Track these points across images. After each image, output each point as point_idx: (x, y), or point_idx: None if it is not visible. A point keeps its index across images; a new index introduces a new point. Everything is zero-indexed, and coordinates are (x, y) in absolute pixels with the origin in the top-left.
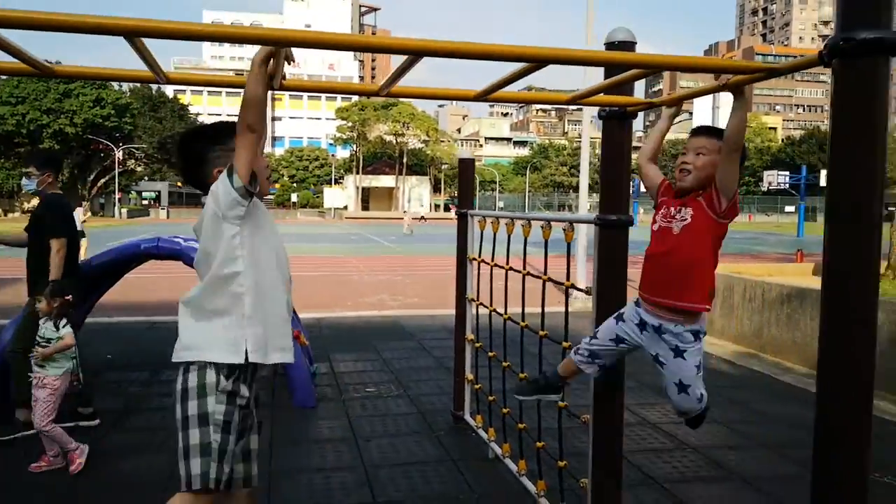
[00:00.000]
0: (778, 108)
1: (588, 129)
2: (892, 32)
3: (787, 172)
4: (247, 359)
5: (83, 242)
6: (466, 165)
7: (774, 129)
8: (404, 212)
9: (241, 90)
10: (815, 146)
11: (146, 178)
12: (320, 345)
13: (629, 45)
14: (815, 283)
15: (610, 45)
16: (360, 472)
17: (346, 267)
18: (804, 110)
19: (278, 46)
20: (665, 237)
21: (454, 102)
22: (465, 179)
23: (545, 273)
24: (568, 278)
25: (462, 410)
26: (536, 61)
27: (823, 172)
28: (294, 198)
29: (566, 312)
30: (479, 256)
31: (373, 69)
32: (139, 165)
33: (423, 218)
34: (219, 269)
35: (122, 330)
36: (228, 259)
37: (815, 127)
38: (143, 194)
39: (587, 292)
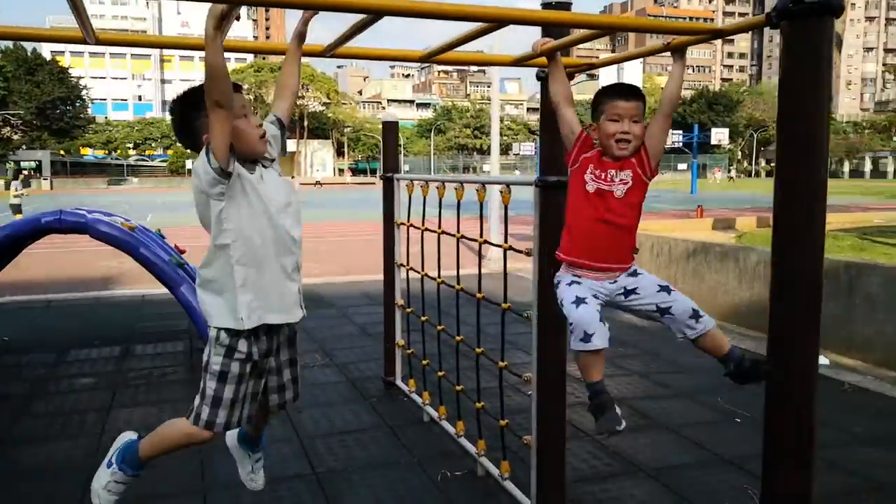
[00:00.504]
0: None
1: (497, 91)
2: None
3: (681, 131)
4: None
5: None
6: (390, 128)
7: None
8: (292, 177)
9: (147, 49)
10: (704, 106)
11: (24, 146)
12: None
13: (565, 6)
14: (717, 237)
15: (546, 5)
16: (295, 443)
17: None
18: (694, 71)
19: (232, 4)
20: (608, 201)
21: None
22: (389, 142)
23: (480, 235)
24: (506, 240)
25: (393, 376)
26: (479, 20)
27: (714, 131)
28: (189, 164)
29: (505, 273)
30: (409, 221)
31: (267, 29)
32: (16, 133)
33: (318, 183)
34: (212, 241)
35: (17, 310)
36: (218, 232)
37: (704, 87)
38: (22, 164)
39: (527, 253)
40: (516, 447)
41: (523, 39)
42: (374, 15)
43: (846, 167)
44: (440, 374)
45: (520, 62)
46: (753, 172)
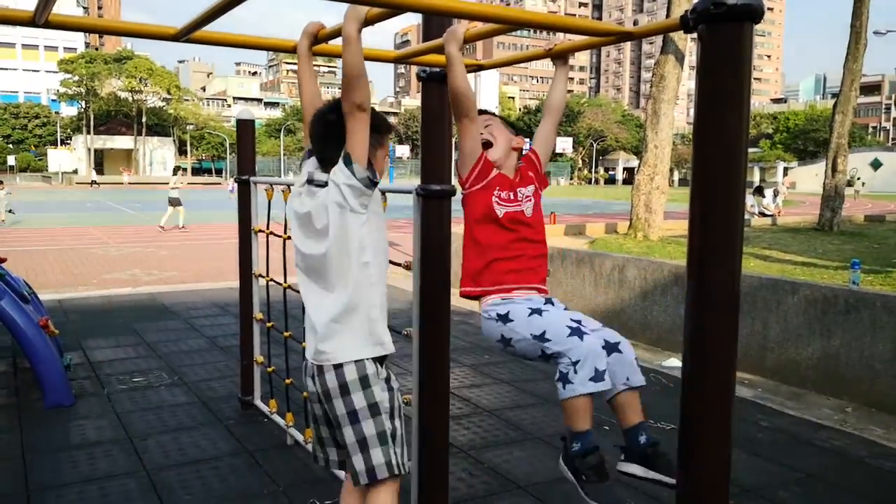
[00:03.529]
0: (515, 78)
1: None
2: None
3: (528, 139)
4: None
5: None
6: (246, 127)
7: (513, 98)
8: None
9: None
10: None
11: None
12: (68, 330)
13: None
14: (571, 243)
15: None
16: (142, 477)
17: (85, 239)
18: (537, 81)
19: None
20: (521, 221)
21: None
22: (245, 142)
23: None
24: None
25: (251, 395)
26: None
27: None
28: (11, 161)
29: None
30: (268, 228)
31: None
32: None
33: (93, 182)
34: (350, 261)
35: None
36: (359, 249)
37: (560, 116)
38: None
39: (406, 267)
40: None
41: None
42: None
43: (676, 176)
44: (305, 393)
45: (401, 59)
46: (593, 180)
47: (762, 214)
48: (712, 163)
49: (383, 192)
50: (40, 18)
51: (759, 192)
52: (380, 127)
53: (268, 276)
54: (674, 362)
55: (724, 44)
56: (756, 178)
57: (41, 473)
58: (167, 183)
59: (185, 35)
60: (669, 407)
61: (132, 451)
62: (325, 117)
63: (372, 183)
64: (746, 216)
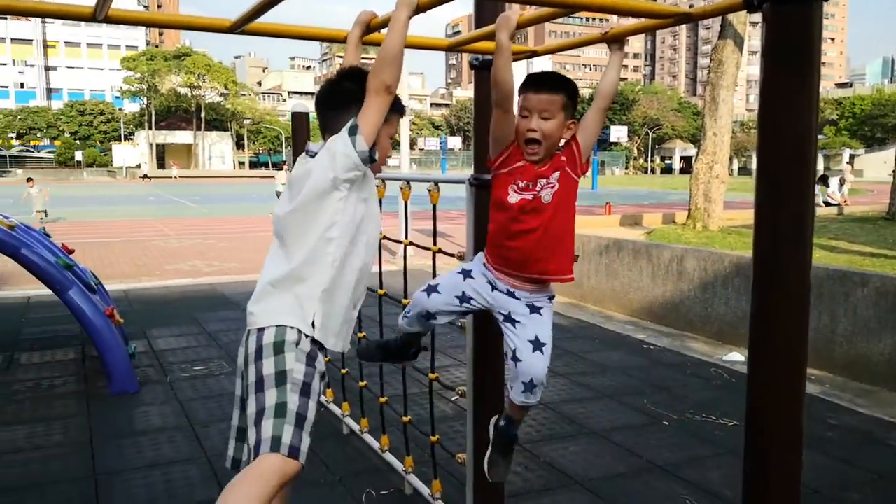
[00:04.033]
0: (568, 67)
1: (406, 82)
2: None
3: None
4: (313, 332)
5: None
6: (300, 119)
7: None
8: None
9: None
10: None
11: None
12: (133, 320)
13: None
14: (628, 234)
15: None
16: (203, 463)
17: (149, 231)
18: (591, 70)
19: None
20: (535, 210)
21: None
22: (299, 135)
23: (406, 236)
24: (434, 242)
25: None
26: None
27: (613, 129)
28: (79, 156)
29: (405, 272)
30: None
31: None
32: None
33: (144, 176)
34: (311, 230)
35: None
36: (326, 223)
37: (611, 102)
38: None
39: (459, 257)
40: (445, 461)
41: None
42: None
43: (735, 164)
44: (362, 384)
45: (455, 47)
46: (649, 169)
47: (827, 204)
48: (780, 150)
49: (436, 183)
50: (100, 14)
51: (823, 180)
52: (395, 104)
53: None
54: (735, 356)
55: (791, 23)
56: (820, 166)
57: (108, 458)
58: (219, 176)
59: (240, 27)
60: (731, 402)
61: (194, 438)
62: (341, 84)
63: (370, 159)
64: None
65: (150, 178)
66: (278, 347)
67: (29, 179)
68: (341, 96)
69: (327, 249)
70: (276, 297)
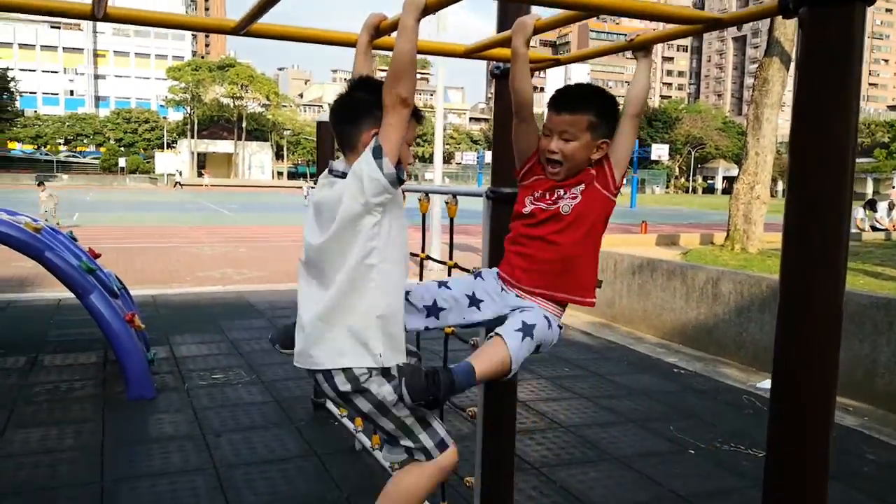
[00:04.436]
0: (610, 84)
1: (442, 96)
2: None
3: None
4: (382, 363)
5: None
6: (325, 129)
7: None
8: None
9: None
10: (644, 122)
11: None
12: (157, 326)
13: None
14: (663, 254)
15: None
16: (210, 474)
17: (184, 238)
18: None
19: None
20: (551, 219)
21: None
22: (324, 144)
23: (423, 250)
24: (451, 256)
25: (323, 398)
26: None
27: (654, 147)
28: (122, 163)
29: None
30: None
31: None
32: None
33: (177, 184)
34: (351, 259)
35: None
36: (364, 249)
37: (642, 110)
38: None
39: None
40: (455, 482)
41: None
42: None
43: (780, 186)
44: None
45: (471, 53)
46: (690, 189)
47: (874, 229)
48: (814, 164)
49: (454, 196)
50: (99, 12)
51: (871, 205)
52: (414, 113)
53: None
54: (769, 384)
55: (831, 28)
56: (869, 190)
57: (117, 465)
58: (255, 186)
59: (243, 28)
60: (762, 432)
61: (204, 448)
62: (353, 95)
63: (399, 181)
64: (855, 230)
65: (182, 185)
66: (356, 388)
67: (40, 184)
68: (355, 108)
69: (370, 276)
70: (332, 334)
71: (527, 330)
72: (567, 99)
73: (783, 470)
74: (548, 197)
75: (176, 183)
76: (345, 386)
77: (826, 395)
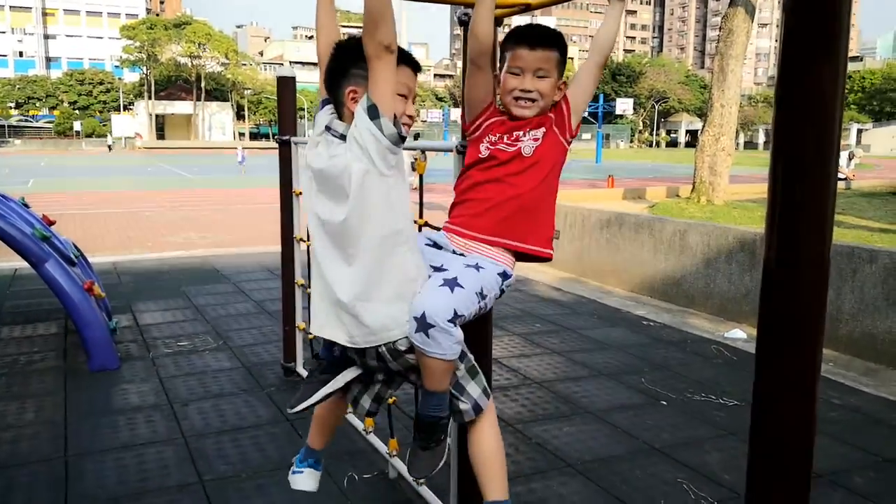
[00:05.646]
0: (574, 38)
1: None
2: None
3: None
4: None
5: None
6: (286, 84)
7: (572, 58)
8: None
9: None
10: (608, 76)
11: None
12: (119, 293)
13: None
14: (630, 207)
15: None
16: (179, 444)
17: (144, 203)
18: None
19: None
20: (511, 160)
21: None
22: (285, 101)
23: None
24: (421, 215)
25: (294, 362)
26: None
27: (619, 101)
28: (77, 126)
29: None
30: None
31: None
32: None
33: (109, 147)
34: (377, 229)
35: None
36: (387, 215)
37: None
38: None
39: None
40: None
41: None
42: None
43: (741, 138)
44: None
45: None
46: (654, 143)
47: None
48: (800, 123)
49: (423, 151)
50: None
51: None
52: (408, 61)
53: (308, 240)
54: (737, 333)
55: None
56: None
57: (81, 438)
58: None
59: None
60: (733, 382)
61: (172, 418)
62: (331, 62)
63: (400, 139)
64: None
65: (111, 148)
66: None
67: None
68: (332, 72)
69: (398, 240)
70: (373, 309)
71: (450, 283)
72: (540, 34)
73: (769, 425)
74: (506, 139)
75: (108, 146)
76: (400, 359)
77: (813, 348)
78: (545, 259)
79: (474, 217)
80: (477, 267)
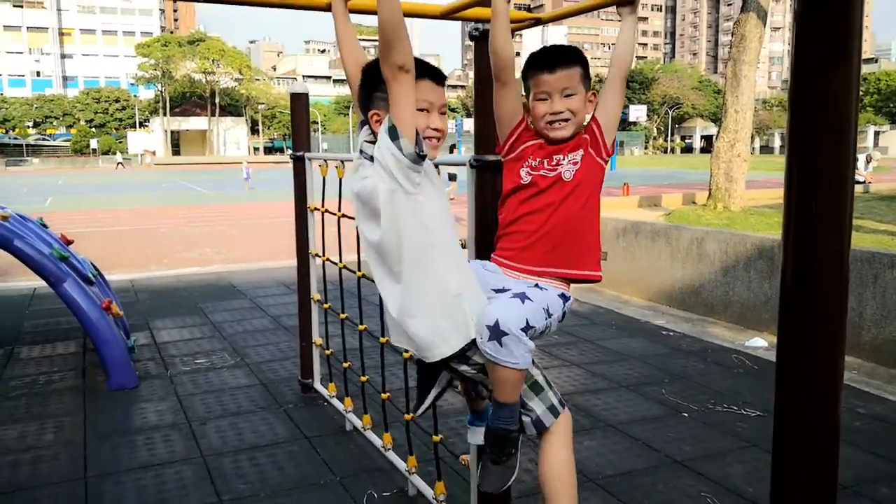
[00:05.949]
0: (586, 46)
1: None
2: None
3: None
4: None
5: None
6: (299, 100)
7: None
8: None
9: None
10: None
11: None
12: (137, 310)
13: None
14: (646, 215)
15: None
16: (198, 463)
17: (159, 219)
18: (609, 49)
19: None
20: (553, 186)
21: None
22: (298, 117)
23: None
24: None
25: (311, 378)
26: None
27: (632, 108)
28: (94, 144)
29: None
30: (323, 206)
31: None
32: None
33: (119, 164)
34: (411, 246)
35: None
36: (419, 231)
37: (628, 69)
38: None
39: (462, 245)
40: (451, 459)
41: None
42: None
43: (756, 143)
44: (363, 378)
45: (449, 14)
46: (669, 149)
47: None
48: (814, 128)
49: (436, 165)
50: None
51: None
52: (429, 73)
53: (324, 255)
54: (758, 342)
55: None
56: None
57: (100, 459)
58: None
59: None
60: (754, 392)
61: (190, 436)
62: (367, 76)
63: (420, 158)
64: None
65: (123, 165)
66: (464, 361)
67: None
68: (360, 98)
69: (433, 255)
70: (419, 326)
71: (520, 296)
72: (556, 55)
73: (792, 435)
74: (546, 164)
75: (118, 164)
76: (461, 364)
77: (835, 356)
78: (595, 281)
79: (522, 251)
80: (539, 287)
